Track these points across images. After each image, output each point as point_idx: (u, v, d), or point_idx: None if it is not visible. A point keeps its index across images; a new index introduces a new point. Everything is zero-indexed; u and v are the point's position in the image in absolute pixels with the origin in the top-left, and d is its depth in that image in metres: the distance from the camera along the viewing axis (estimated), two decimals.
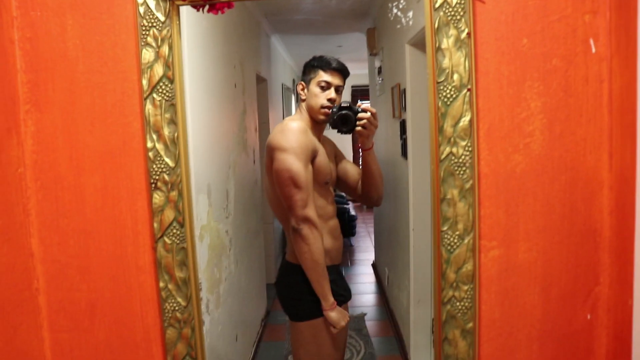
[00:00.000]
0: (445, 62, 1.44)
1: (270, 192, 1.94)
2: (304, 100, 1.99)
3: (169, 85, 1.48)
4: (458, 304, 1.52)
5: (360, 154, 1.99)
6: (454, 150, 1.46)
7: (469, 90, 1.45)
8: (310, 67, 1.98)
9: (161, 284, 1.56)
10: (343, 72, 1.97)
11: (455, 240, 1.49)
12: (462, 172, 1.47)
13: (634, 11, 1.34)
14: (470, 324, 1.53)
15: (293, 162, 1.77)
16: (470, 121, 1.46)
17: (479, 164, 1.50)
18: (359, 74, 7.28)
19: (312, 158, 1.84)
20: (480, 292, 1.54)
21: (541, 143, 1.51)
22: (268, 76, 4.99)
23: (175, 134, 1.49)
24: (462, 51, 1.43)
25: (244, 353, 3.32)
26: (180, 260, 1.54)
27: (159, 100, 1.48)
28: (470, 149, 1.47)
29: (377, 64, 4.32)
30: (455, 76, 1.44)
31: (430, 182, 2.81)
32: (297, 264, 1.88)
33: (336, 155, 2.12)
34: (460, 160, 1.47)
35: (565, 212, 1.53)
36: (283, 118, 5.96)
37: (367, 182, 2.03)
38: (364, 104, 1.89)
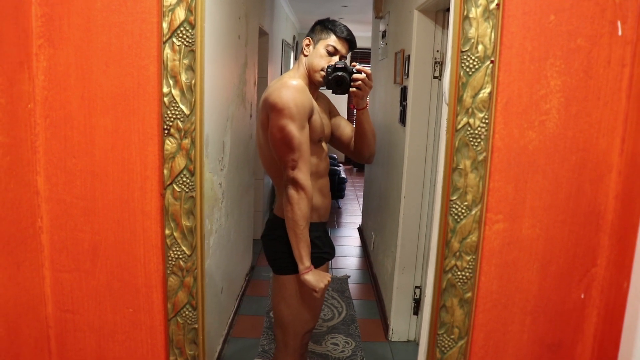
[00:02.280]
0: (472, 32, 1.43)
1: (264, 147, 1.93)
2: (306, 56, 1.96)
3: (190, 30, 1.45)
4: (459, 273, 1.55)
5: (355, 113, 2.00)
6: (471, 121, 1.46)
7: (492, 62, 1.44)
8: (323, 27, 1.94)
9: (167, 232, 1.56)
10: (352, 43, 1.96)
11: (463, 211, 1.51)
12: (476, 144, 1.48)
13: None
14: (469, 294, 1.56)
15: (288, 123, 1.76)
16: (490, 94, 1.46)
17: (494, 137, 1.50)
18: (361, 36, 7.21)
19: (309, 117, 1.83)
20: (481, 263, 1.57)
21: (556, 122, 1.51)
22: (270, 30, 4.92)
23: (193, 81, 1.47)
24: (489, 22, 1.42)
25: (227, 305, 3.36)
26: (188, 208, 1.54)
27: (179, 45, 1.46)
28: (487, 121, 1.47)
29: (381, 27, 4.27)
30: (480, 47, 1.43)
31: (430, 149, 2.82)
32: (283, 219, 1.90)
33: (330, 112, 2.11)
34: (476, 131, 1.47)
35: (572, 192, 1.55)
36: (281, 74, 5.91)
37: (359, 141, 2.05)
38: (359, 65, 1.87)
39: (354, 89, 1.83)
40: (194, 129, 1.50)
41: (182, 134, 1.50)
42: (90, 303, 1.65)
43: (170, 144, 1.51)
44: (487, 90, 1.45)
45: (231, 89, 3.15)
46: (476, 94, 1.45)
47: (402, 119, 3.27)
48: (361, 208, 5.67)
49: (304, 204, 1.80)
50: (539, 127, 1.52)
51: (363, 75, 1.81)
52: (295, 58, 7.54)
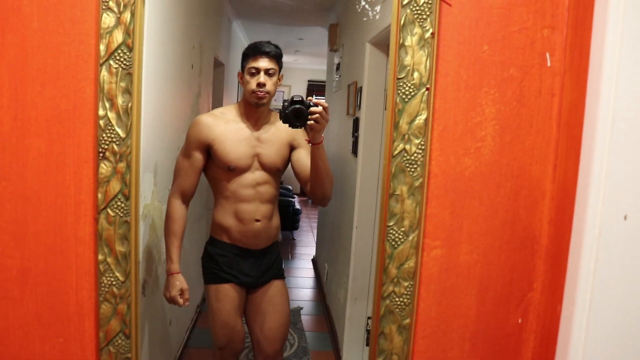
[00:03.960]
0: (407, 60, 1.46)
1: None
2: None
3: (128, 53, 1.44)
4: (397, 299, 1.55)
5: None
6: (407, 147, 1.49)
7: (427, 89, 1.47)
8: (243, 55, 2.05)
9: (100, 257, 1.52)
10: (272, 54, 2.00)
11: (400, 236, 1.52)
12: (413, 170, 1.50)
13: (588, 30, 1.40)
14: (407, 320, 1.56)
15: (180, 152, 2.10)
16: (426, 120, 1.48)
17: (430, 163, 1.53)
18: (316, 69, 7.30)
19: (206, 147, 2.02)
20: (420, 289, 1.57)
21: (491, 149, 1.55)
22: (226, 61, 4.93)
23: (129, 104, 1.46)
24: (424, 50, 1.46)
25: (177, 338, 3.27)
26: (122, 233, 1.50)
27: (116, 68, 1.44)
28: (423, 147, 1.49)
29: (336, 60, 4.34)
30: (416, 74, 1.46)
31: (379, 178, 2.85)
32: (211, 235, 2.17)
33: (290, 143, 2.11)
34: (413, 157, 1.49)
35: (508, 218, 1.58)
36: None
37: (312, 178, 2.01)
38: (316, 99, 1.89)
39: (312, 122, 1.83)
40: (129, 153, 1.47)
41: (118, 157, 1.47)
42: (17, 333, 1.58)
43: (105, 168, 1.48)
44: (423, 116, 1.48)
45: (183, 118, 3.13)
46: (412, 121, 1.48)
47: (354, 150, 3.30)
48: (315, 239, 5.66)
49: (171, 214, 2.09)
50: (475, 154, 1.55)
51: (320, 109, 1.81)
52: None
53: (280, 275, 2.24)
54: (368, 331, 3.23)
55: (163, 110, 2.60)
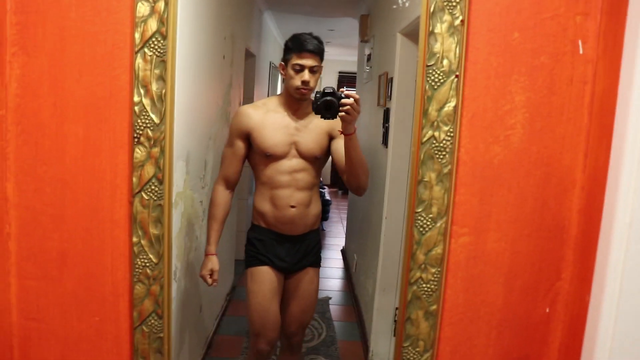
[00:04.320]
0: (437, 47, 1.46)
1: None
2: (285, 79, 2.11)
3: (162, 41, 1.48)
4: (424, 285, 1.56)
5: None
6: (436, 134, 1.49)
7: (456, 76, 1.48)
8: (287, 48, 2.08)
9: (134, 239, 1.56)
10: (317, 52, 2.03)
11: (428, 223, 1.53)
12: (441, 157, 1.50)
13: (623, 17, 1.38)
14: (434, 306, 1.57)
15: (226, 142, 2.21)
16: (455, 107, 1.49)
17: (459, 150, 1.53)
18: (347, 60, 7.30)
19: (246, 135, 2.11)
20: (447, 276, 1.58)
21: (521, 137, 1.54)
22: (257, 52, 4.97)
23: (163, 91, 1.50)
24: (454, 38, 1.46)
25: (207, 325, 3.34)
26: (156, 217, 1.55)
27: (150, 56, 1.48)
28: (452, 134, 1.50)
29: (367, 51, 4.33)
30: (445, 62, 1.47)
31: (409, 167, 2.86)
32: (251, 221, 2.25)
33: (331, 135, 2.15)
34: (441, 144, 1.50)
35: (537, 207, 1.57)
36: (268, 95, 5.96)
37: (347, 169, 2.04)
38: (347, 90, 1.90)
39: (343, 113, 1.85)
40: (163, 138, 1.51)
41: (152, 142, 1.52)
42: (55, 311, 1.64)
43: (139, 152, 1.52)
44: (452, 104, 1.48)
45: (215, 108, 3.18)
46: (441, 107, 1.48)
47: (385, 141, 3.30)
48: (345, 230, 5.68)
49: (216, 199, 2.20)
50: (504, 142, 1.54)
51: (351, 100, 1.82)
52: (283, 80, 7.64)
53: (315, 263, 2.28)
54: (396, 322, 3.24)
55: (195, 100, 2.64)
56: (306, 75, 2.02)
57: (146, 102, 1.50)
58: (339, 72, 8.82)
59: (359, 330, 3.75)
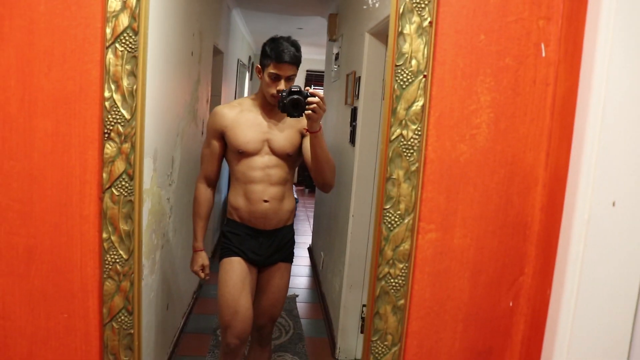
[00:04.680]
0: (406, 47, 1.50)
1: None
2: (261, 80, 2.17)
3: (133, 37, 1.47)
4: (392, 280, 1.59)
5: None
6: (404, 132, 1.53)
7: (424, 76, 1.51)
8: (265, 54, 2.12)
9: (104, 235, 1.56)
10: (294, 62, 2.09)
11: (396, 219, 1.56)
12: (409, 155, 1.54)
13: (582, 22, 1.44)
14: (402, 301, 1.61)
15: (204, 142, 2.31)
16: (423, 106, 1.52)
17: (427, 149, 1.57)
18: (315, 59, 7.32)
19: (221, 134, 2.20)
20: (414, 271, 1.61)
21: (486, 136, 1.59)
22: (225, 49, 4.95)
23: (135, 87, 1.49)
24: (422, 38, 1.49)
25: (173, 322, 3.32)
26: (126, 212, 1.54)
27: (122, 51, 1.48)
28: (419, 133, 1.53)
29: (335, 50, 4.36)
30: (414, 62, 1.50)
31: (377, 165, 2.89)
32: (226, 216, 2.32)
33: (303, 133, 2.20)
34: (409, 142, 1.53)
35: (501, 204, 1.62)
36: (235, 93, 5.94)
37: (313, 166, 2.11)
38: (313, 89, 1.95)
39: (309, 112, 1.90)
40: (134, 134, 1.51)
41: (123, 138, 1.51)
42: (22, 309, 1.62)
43: (110, 148, 1.52)
44: (420, 103, 1.52)
45: (182, 105, 3.16)
46: (409, 107, 1.52)
47: (352, 139, 3.34)
48: (312, 228, 5.70)
49: (198, 196, 2.32)
50: (470, 141, 1.59)
51: (317, 99, 1.89)
52: (251, 78, 7.64)
53: (287, 258, 2.32)
54: (363, 318, 3.29)
55: (163, 97, 2.63)
56: (282, 85, 2.08)
57: (117, 97, 1.50)
58: (307, 71, 8.83)
59: (326, 327, 3.78)
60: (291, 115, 1.93)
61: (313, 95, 1.90)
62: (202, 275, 2.28)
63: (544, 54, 1.56)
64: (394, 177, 1.54)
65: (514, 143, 1.60)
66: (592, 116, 1.38)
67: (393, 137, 1.53)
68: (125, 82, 1.49)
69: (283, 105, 1.93)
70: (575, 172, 1.43)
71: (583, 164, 1.40)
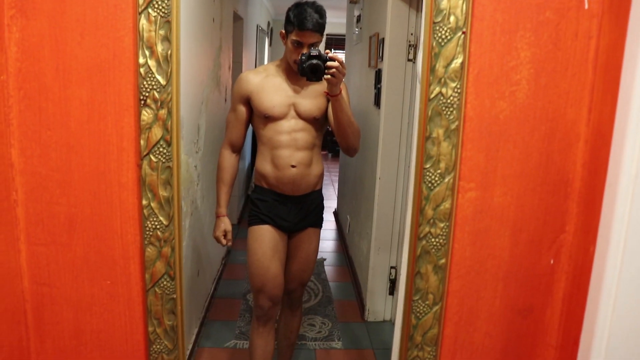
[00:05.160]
0: (444, 3, 1.46)
1: None
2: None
3: (166, 1, 1.45)
4: (433, 240, 1.59)
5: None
6: (444, 90, 1.50)
7: (463, 33, 1.48)
8: (288, 20, 2.07)
9: (144, 202, 1.57)
10: (318, 30, 2.04)
11: (437, 179, 1.55)
12: (449, 113, 1.51)
13: None
14: (443, 260, 1.60)
15: (230, 107, 2.26)
16: (462, 64, 1.49)
17: (466, 106, 1.54)
18: (335, 22, 7.22)
19: (247, 99, 2.16)
20: (455, 230, 1.61)
21: (526, 92, 1.56)
22: (245, 15, 4.90)
23: (169, 52, 1.48)
24: None
25: (204, 288, 3.37)
26: (165, 179, 1.55)
27: (155, 16, 1.46)
28: (459, 91, 1.51)
29: (356, 12, 4.28)
30: (452, 18, 1.47)
31: (401, 129, 2.86)
32: (254, 183, 2.29)
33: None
34: (449, 100, 1.51)
35: (542, 161, 1.60)
36: (256, 59, 5.89)
37: (336, 130, 2.10)
38: (332, 52, 1.92)
39: (329, 76, 1.88)
40: (170, 99, 1.50)
41: (159, 104, 1.51)
42: (67, 276, 1.65)
43: (146, 115, 1.51)
44: (459, 60, 1.49)
45: (206, 72, 3.14)
46: (448, 64, 1.49)
47: (377, 102, 3.30)
48: (336, 193, 5.71)
49: (222, 163, 2.27)
50: (510, 98, 1.56)
51: (336, 63, 1.87)
52: (270, 44, 7.56)
53: (316, 224, 2.32)
54: (391, 280, 3.31)
55: (187, 64, 2.61)
56: (305, 51, 2.02)
57: (152, 63, 1.49)
58: (327, 35, 8.72)
59: (354, 290, 3.81)
60: (310, 80, 1.93)
61: (332, 59, 1.88)
62: (224, 241, 2.26)
63: (586, 6, 1.51)
64: (433, 135, 1.52)
65: (555, 99, 1.57)
66: None
67: (432, 95, 1.50)
68: (159, 48, 1.48)
69: (302, 69, 1.92)
70: (621, 127, 1.40)
71: (631, 117, 1.36)
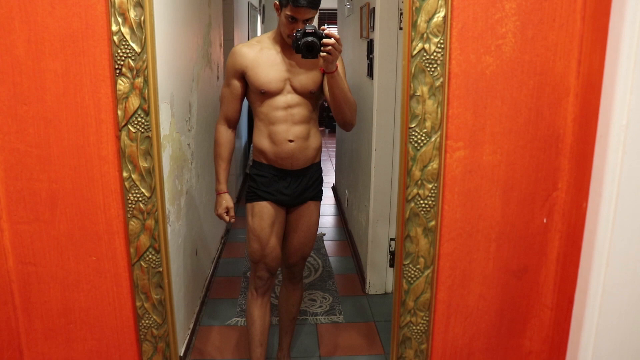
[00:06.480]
0: None
1: None
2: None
3: None
4: (422, 202, 1.55)
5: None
6: (427, 46, 1.45)
7: None
8: None
9: (124, 174, 1.53)
10: (312, 6, 1.99)
11: (423, 138, 1.51)
12: (432, 69, 1.47)
13: None
14: (433, 222, 1.57)
15: (223, 82, 2.21)
16: (444, 18, 1.44)
17: (450, 62, 1.49)
18: None
19: (242, 74, 2.12)
20: (444, 191, 1.57)
21: (513, 46, 1.51)
22: None
23: (142, 18, 1.43)
24: None
25: (203, 267, 3.35)
26: (144, 149, 1.51)
27: None
28: (442, 46, 1.46)
29: None
30: None
31: (396, 99, 2.82)
32: (252, 158, 2.27)
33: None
34: (432, 57, 1.46)
35: (531, 117, 1.55)
36: (248, 36, 5.82)
37: (332, 106, 2.07)
38: (328, 29, 1.88)
39: (324, 53, 1.84)
40: (146, 67, 1.46)
41: (135, 72, 1.47)
42: (52, 254, 1.63)
43: (122, 84, 1.47)
44: (441, 14, 1.44)
45: (195, 49, 3.09)
46: (430, 19, 1.44)
47: (370, 73, 3.26)
48: (334, 168, 5.68)
49: (219, 139, 2.24)
50: (496, 52, 1.51)
51: (333, 40, 1.83)
52: (262, 22, 7.48)
53: (315, 197, 2.30)
54: (391, 252, 3.28)
55: (176, 41, 2.56)
56: (299, 27, 1.98)
57: (125, 30, 1.44)
58: (319, 10, 8.63)
59: (355, 263, 3.80)
60: (305, 57, 1.89)
61: (328, 36, 1.84)
62: (227, 218, 2.25)
63: None
64: (418, 93, 1.48)
65: (543, 52, 1.52)
66: (630, 13, 1.28)
67: (415, 51, 1.45)
68: (132, 14, 1.43)
69: (297, 46, 1.88)
70: (611, 76, 1.35)
71: (620, 65, 1.31)
